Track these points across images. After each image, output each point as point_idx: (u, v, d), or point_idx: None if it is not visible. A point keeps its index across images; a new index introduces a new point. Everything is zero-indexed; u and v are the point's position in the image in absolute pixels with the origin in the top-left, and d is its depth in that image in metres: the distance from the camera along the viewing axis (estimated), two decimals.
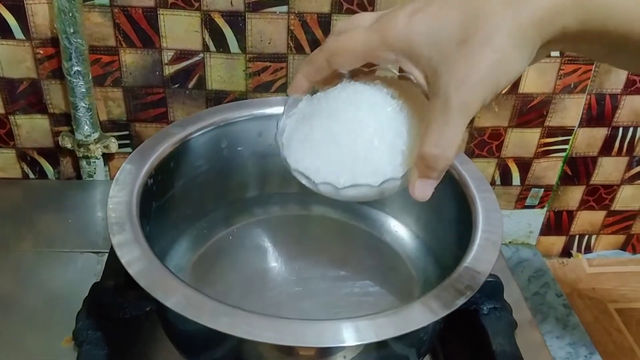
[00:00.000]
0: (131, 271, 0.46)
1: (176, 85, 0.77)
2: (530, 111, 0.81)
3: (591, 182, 0.90)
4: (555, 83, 0.79)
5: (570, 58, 0.77)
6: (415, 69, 0.40)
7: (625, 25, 0.35)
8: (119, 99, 0.78)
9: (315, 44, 0.75)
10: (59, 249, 0.72)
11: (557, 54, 0.77)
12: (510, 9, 0.36)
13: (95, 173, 0.82)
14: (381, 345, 0.49)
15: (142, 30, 0.73)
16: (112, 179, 0.56)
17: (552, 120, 0.82)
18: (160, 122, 0.80)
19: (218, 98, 0.78)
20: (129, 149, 0.82)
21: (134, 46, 0.74)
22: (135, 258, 0.48)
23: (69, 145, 0.80)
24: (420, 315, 0.46)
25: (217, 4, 0.72)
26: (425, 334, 0.54)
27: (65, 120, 0.79)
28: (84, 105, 0.75)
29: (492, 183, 0.87)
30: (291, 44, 0.75)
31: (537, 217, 0.92)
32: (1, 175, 0.84)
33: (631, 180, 0.91)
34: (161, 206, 0.60)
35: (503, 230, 0.56)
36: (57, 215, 0.77)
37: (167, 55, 0.75)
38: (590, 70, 0.79)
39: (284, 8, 0.72)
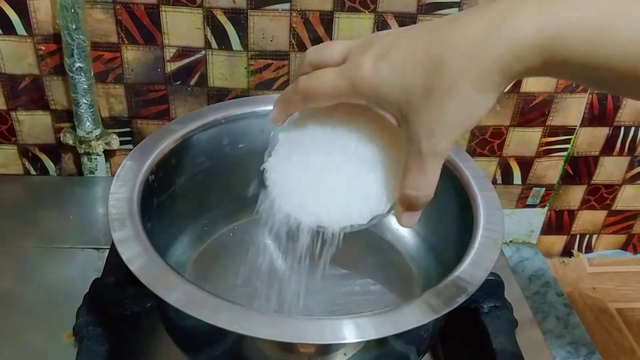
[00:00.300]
0: (132, 267, 0.47)
1: (178, 83, 0.77)
2: (531, 110, 0.81)
3: (592, 182, 0.90)
4: (557, 82, 0.79)
5: None
6: (386, 113, 0.41)
7: (586, 59, 0.35)
8: (121, 96, 0.78)
9: (317, 41, 0.75)
10: (60, 245, 0.72)
11: None
12: (471, 59, 0.36)
13: (96, 169, 0.82)
14: (381, 342, 0.50)
15: (144, 27, 0.73)
16: (113, 175, 0.56)
17: (554, 120, 0.82)
18: (162, 119, 0.80)
19: (220, 95, 0.78)
20: (130, 146, 0.82)
21: (136, 43, 0.74)
22: (136, 254, 0.48)
23: (70, 142, 0.80)
24: (421, 313, 0.46)
25: (220, 1, 0.72)
26: (426, 332, 0.54)
27: (67, 116, 0.79)
28: (86, 101, 0.75)
29: (494, 182, 0.87)
30: (293, 41, 0.75)
31: (538, 217, 0.92)
32: (3, 172, 0.84)
33: (632, 180, 0.91)
34: (162, 203, 0.60)
35: (504, 228, 0.56)
36: (58, 211, 0.77)
37: (169, 52, 0.75)
38: None
39: (286, 5, 0.72)
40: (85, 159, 0.81)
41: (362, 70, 0.39)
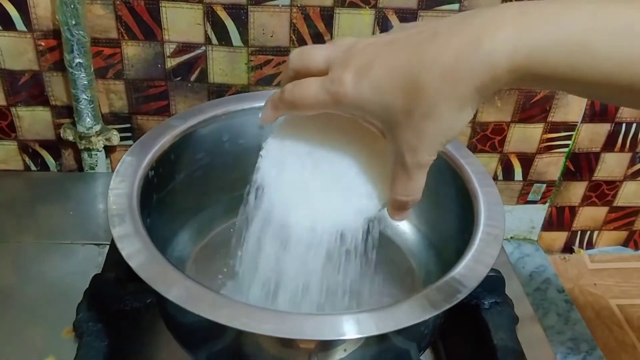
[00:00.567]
0: (132, 264, 0.46)
1: (178, 78, 0.77)
2: (533, 106, 0.81)
3: (594, 178, 0.90)
4: None
5: None
6: (371, 125, 0.44)
7: (564, 76, 0.36)
8: (121, 92, 0.78)
9: (317, 37, 0.75)
10: (60, 241, 0.72)
11: None
12: (448, 82, 0.37)
13: (96, 165, 0.82)
14: (382, 338, 0.50)
15: (144, 23, 0.73)
16: (113, 171, 0.56)
17: (555, 116, 0.82)
18: (162, 115, 0.80)
19: (220, 91, 0.78)
20: (130, 142, 0.82)
21: (136, 39, 0.74)
22: (135, 250, 0.48)
23: (70, 138, 0.79)
24: (421, 309, 0.45)
25: None
26: (426, 328, 0.54)
27: (67, 112, 0.79)
28: (86, 97, 0.75)
29: (495, 178, 0.87)
30: (293, 37, 0.75)
31: (539, 213, 0.92)
32: (3, 167, 0.83)
33: (634, 176, 0.90)
34: (162, 198, 0.60)
35: (505, 225, 0.55)
36: (58, 207, 0.77)
37: (169, 48, 0.75)
38: None
39: (287, 1, 0.72)
40: (85, 155, 0.81)
41: (343, 87, 0.40)
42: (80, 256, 0.70)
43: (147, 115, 0.80)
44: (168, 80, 0.77)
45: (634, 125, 0.85)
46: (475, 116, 0.81)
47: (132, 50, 0.75)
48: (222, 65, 0.76)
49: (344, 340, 0.47)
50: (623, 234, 0.97)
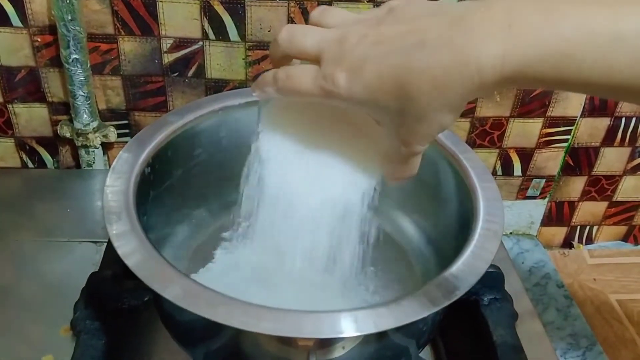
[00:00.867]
0: (128, 262, 0.46)
1: (175, 74, 0.77)
2: (532, 101, 0.80)
3: (593, 173, 0.90)
4: None
5: None
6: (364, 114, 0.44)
7: (552, 82, 0.37)
8: (118, 88, 0.78)
9: None
10: (58, 239, 0.72)
11: None
12: (437, 91, 0.38)
13: (94, 162, 0.81)
14: (380, 336, 0.49)
15: (140, 18, 0.73)
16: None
17: (554, 110, 0.82)
18: (160, 111, 0.79)
19: (218, 87, 0.78)
20: (128, 138, 0.81)
21: (133, 34, 0.74)
22: (132, 249, 0.47)
23: (67, 135, 0.79)
24: (420, 306, 0.45)
25: None
26: (425, 325, 0.54)
27: (64, 109, 0.79)
28: (83, 93, 0.75)
29: (494, 173, 0.87)
30: None
31: (538, 208, 0.91)
32: (0, 165, 0.83)
33: (633, 170, 0.90)
34: (159, 195, 0.60)
35: (504, 220, 0.55)
36: (56, 204, 0.77)
37: (166, 44, 0.75)
38: None
39: None
40: (82, 152, 0.81)
41: (337, 86, 0.40)
42: (77, 254, 0.70)
43: (145, 111, 0.80)
44: (165, 76, 0.77)
45: (634, 119, 0.85)
46: (474, 111, 0.81)
47: (128, 46, 0.75)
48: (220, 60, 0.76)
49: (342, 338, 0.47)
50: (622, 228, 0.97)
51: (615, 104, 0.83)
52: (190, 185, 0.66)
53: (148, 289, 0.45)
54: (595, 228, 0.97)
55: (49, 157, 0.83)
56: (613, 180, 0.91)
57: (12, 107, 0.78)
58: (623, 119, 0.85)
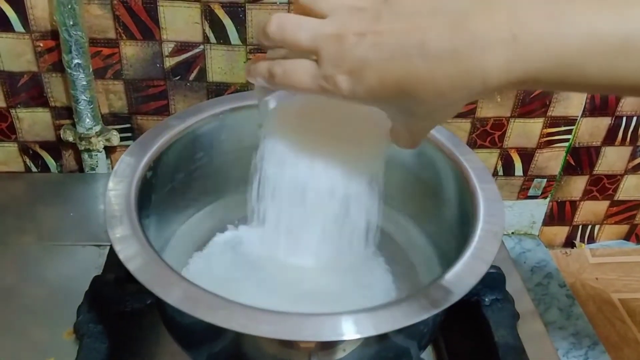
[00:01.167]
0: (129, 267, 0.46)
1: (177, 78, 0.77)
2: (532, 101, 0.81)
3: (594, 172, 0.90)
4: None
5: None
6: None
7: (557, 87, 0.38)
8: (120, 92, 0.78)
9: None
10: (61, 242, 0.72)
11: None
12: (442, 99, 0.38)
13: (97, 166, 0.82)
14: (381, 338, 0.49)
15: (142, 22, 0.73)
16: None
17: (555, 110, 0.82)
18: (162, 115, 0.80)
19: (219, 90, 0.78)
20: (130, 142, 0.82)
21: (134, 38, 0.74)
22: (133, 253, 0.48)
23: (70, 139, 0.80)
24: (421, 308, 0.45)
25: None
26: (426, 326, 0.54)
27: (67, 113, 0.79)
28: (85, 98, 0.75)
29: (495, 174, 0.87)
30: None
31: (540, 208, 0.91)
32: (4, 169, 0.84)
33: (635, 170, 0.90)
34: (161, 199, 0.60)
35: (505, 221, 0.55)
36: (59, 208, 0.77)
37: (167, 48, 0.75)
38: None
39: None
40: (85, 156, 0.81)
41: (339, 89, 0.40)
42: (80, 257, 0.70)
43: (147, 115, 0.80)
44: (167, 80, 0.77)
45: (635, 118, 0.85)
46: (474, 112, 0.81)
47: (130, 50, 0.75)
48: (221, 64, 0.76)
49: (342, 340, 0.47)
50: (624, 227, 0.97)
51: (616, 104, 0.83)
52: (192, 189, 0.66)
53: (150, 293, 0.45)
54: (597, 227, 0.97)
55: (52, 161, 0.84)
56: (614, 179, 0.91)
57: (15, 111, 0.79)
58: (624, 119, 0.85)
